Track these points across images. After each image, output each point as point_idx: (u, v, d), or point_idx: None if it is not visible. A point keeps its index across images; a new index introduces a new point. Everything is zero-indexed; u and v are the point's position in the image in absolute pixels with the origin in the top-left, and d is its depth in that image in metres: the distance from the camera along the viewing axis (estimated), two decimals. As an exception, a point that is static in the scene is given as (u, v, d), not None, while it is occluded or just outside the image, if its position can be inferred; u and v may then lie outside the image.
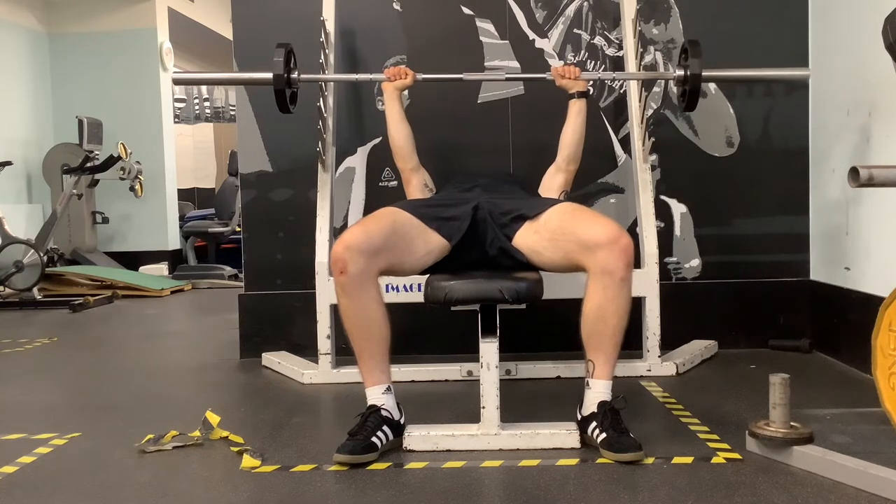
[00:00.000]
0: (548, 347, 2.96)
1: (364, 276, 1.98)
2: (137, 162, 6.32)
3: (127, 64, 7.05)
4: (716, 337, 3.09)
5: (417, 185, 2.70)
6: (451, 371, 2.76)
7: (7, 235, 5.44)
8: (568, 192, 2.66)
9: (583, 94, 2.65)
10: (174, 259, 7.14)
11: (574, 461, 1.88)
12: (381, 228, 2.05)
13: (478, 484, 1.79)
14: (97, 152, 6.18)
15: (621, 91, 3.14)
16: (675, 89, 3.02)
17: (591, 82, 3.14)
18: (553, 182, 2.65)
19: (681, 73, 2.64)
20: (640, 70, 2.94)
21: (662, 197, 3.15)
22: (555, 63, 3.14)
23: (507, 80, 3.00)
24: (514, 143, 3.16)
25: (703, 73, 2.57)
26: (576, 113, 2.65)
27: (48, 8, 7.11)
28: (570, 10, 3.17)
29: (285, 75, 2.64)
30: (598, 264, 1.96)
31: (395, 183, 3.13)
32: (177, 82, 3.08)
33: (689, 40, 2.62)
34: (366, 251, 1.98)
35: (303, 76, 2.74)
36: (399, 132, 2.71)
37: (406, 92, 3.11)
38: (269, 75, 2.63)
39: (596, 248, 1.96)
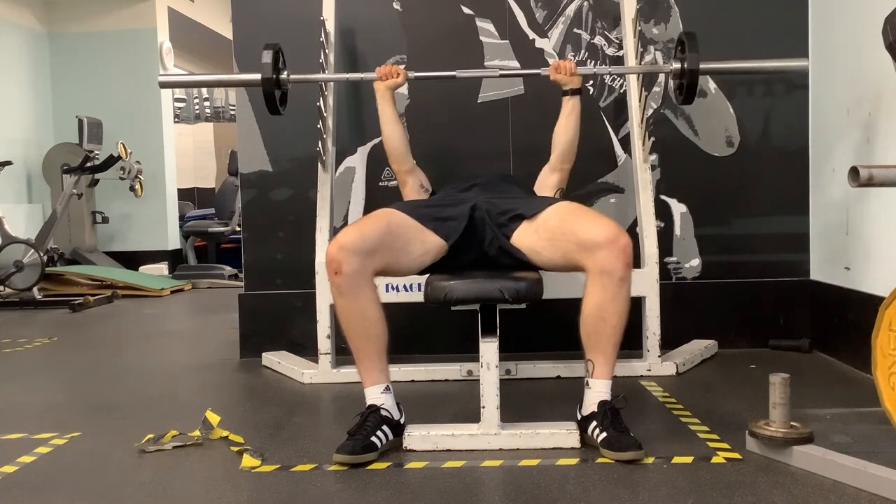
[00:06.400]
0: (548, 347, 2.96)
1: (359, 276, 1.98)
2: (137, 162, 6.33)
3: (127, 64, 7.05)
4: (716, 337, 3.09)
5: (413, 186, 2.68)
6: (451, 371, 2.76)
7: (7, 235, 5.44)
8: (563, 191, 2.63)
9: (576, 92, 2.59)
10: (174, 259, 7.15)
11: (574, 461, 1.88)
12: (376, 229, 2.05)
13: (478, 484, 1.79)
14: (97, 152, 6.19)
15: (621, 91, 3.14)
16: (673, 84, 3.00)
17: (591, 82, 3.15)
18: (547, 181, 2.61)
19: (677, 66, 2.61)
20: (639, 70, 2.93)
21: (662, 197, 3.15)
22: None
23: (502, 76, 2.97)
24: (514, 144, 3.16)
25: (700, 66, 2.53)
26: (569, 111, 2.58)
27: (48, 8, 7.12)
28: (571, 10, 3.17)
29: (274, 76, 2.63)
30: (598, 264, 1.95)
31: (395, 183, 3.12)
32: (163, 85, 3.03)
33: (685, 33, 2.59)
34: (360, 251, 1.98)
35: (292, 77, 2.72)
36: (393, 133, 2.68)
37: (406, 91, 3.13)
38: (258, 77, 2.62)
39: (595, 248, 1.95)
